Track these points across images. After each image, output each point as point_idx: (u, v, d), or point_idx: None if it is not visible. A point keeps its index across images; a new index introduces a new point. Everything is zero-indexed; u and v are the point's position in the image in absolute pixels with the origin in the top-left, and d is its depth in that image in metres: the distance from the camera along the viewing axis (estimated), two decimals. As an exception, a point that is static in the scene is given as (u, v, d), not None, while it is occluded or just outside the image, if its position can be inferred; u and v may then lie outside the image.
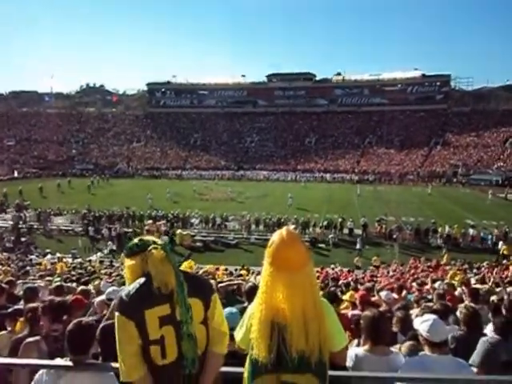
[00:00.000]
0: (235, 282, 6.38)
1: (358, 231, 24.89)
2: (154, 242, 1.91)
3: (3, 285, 5.15)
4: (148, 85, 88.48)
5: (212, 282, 5.80)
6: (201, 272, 8.04)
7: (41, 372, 2.35)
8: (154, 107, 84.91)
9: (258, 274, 12.75)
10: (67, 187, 44.77)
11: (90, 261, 19.60)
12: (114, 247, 23.19)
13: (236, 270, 14.91)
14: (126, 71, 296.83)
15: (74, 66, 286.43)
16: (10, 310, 4.28)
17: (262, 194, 40.34)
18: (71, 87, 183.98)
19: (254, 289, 3.86)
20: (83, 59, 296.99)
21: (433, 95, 72.27)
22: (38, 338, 3.12)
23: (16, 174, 57.14)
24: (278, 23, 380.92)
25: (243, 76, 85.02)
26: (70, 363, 2.33)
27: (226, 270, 13.30)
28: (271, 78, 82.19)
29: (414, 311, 4.52)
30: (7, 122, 77.16)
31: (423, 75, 73.45)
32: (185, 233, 23.83)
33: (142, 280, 1.88)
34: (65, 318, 3.44)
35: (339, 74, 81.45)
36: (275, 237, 1.80)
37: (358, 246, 21.95)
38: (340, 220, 25.74)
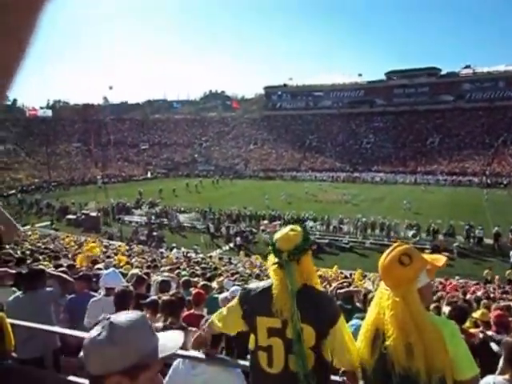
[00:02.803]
0: (354, 288, 6.31)
1: (489, 241, 22.51)
2: (280, 254, 1.86)
3: (144, 275, 5.80)
4: (265, 88, 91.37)
5: (330, 288, 5.82)
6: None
7: (178, 361, 2.60)
8: (271, 110, 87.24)
9: (375, 279, 12.36)
10: (197, 187, 47.86)
11: (210, 257, 20.93)
12: (232, 245, 24.50)
13: (350, 274, 14.66)
14: (245, 76, 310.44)
15: (198, 74, 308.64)
16: (148, 299, 4.82)
17: (379, 197, 38.78)
18: (196, 94, 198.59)
19: None
20: (206, 67, 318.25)
21: None
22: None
23: (149, 175, 63.70)
24: (395, 16, 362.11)
25: (360, 75, 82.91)
26: (202, 355, 2.53)
27: (342, 273, 13.13)
28: (390, 75, 78.53)
29: None
30: (142, 128, 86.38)
31: None
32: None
33: (269, 283, 1.93)
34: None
35: (468, 66, 74.36)
36: (385, 252, 1.83)
37: (511, 260, 19.63)
38: (467, 227, 23.54)
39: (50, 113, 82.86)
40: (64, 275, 4.28)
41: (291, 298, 1.77)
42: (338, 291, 5.37)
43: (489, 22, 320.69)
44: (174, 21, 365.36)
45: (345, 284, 7.19)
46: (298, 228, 1.92)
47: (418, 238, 23.53)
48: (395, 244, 1.88)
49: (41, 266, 4.93)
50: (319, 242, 23.65)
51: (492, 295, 9.27)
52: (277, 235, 1.93)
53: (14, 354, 3.39)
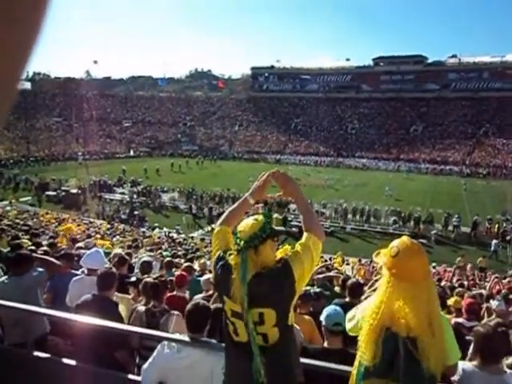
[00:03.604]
0: (332, 274, 6.44)
1: (466, 229, 23.12)
2: (239, 241, 1.85)
3: (125, 256, 5.80)
4: (252, 69, 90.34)
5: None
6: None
7: (162, 344, 2.64)
8: (257, 91, 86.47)
9: (355, 264, 12.60)
10: (181, 167, 47.43)
11: (192, 237, 20.94)
12: (214, 226, 24.46)
13: (331, 258, 14.89)
14: (232, 56, 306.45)
15: (184, 51, 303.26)
16: (132, 279, 4.84)
17: (361, 183, 39.18)
18: (181, 72, 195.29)
19: (358, 286, 3.90)
20: (193, 45, 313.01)
21: None
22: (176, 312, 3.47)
23: (132, 153, 62.82)
24: (384, 2, 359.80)
25: (348, 60, 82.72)
26: (187, 339, 2.58)
27: (322, 257, 13.31)
28: (378, 61, 78.43)
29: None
30: (125, 105, 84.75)
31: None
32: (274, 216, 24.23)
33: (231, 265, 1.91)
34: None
35: (454, 56, 74.87)
36: (398, 246, 1.79)
37: (492, 248, 19.93)
38: (445, 215, 24.08)
39: (29, 85, 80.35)
40: (51, 258, 4.25)
41: (242, 287, 1.77)
42: (317, 276, 5.46)
43: (477, 13, 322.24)
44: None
45: (323, 269, 7.34)
46: (261, 217, 1.91)
47: (398, 225, 23.99)
48: (404, 238, 1.85)
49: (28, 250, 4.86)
50: (301, 226, 23.79)
51: (466, 282, 9.56)
52: (241, 223, 1.94)
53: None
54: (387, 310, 1.72)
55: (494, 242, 20.20)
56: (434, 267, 15.07)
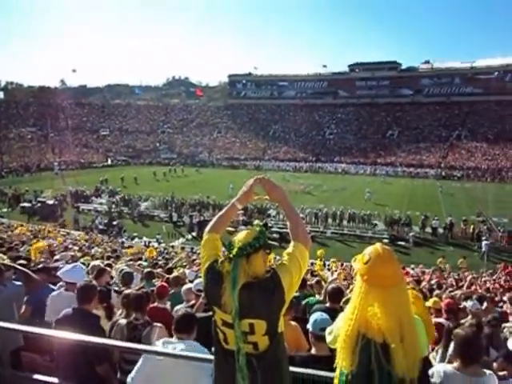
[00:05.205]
0: (313, 282, 6.47)
1: (443, 230, 23.61)
2: (231, 249, 1.83)
3: (105, 267, 5.69)
4: (229, 76, 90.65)
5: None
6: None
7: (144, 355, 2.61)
8: (235, 98, 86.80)
9: (336, 269, 12.68)
10: (165, 174, 46.99)
11: (172, 246, 20.68)
12: (195, 234, 24.28)
13: (312, 264, 14.94)
14: (209, 63, 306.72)
15: (161, 59, 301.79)
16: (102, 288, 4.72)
17: (340, 188, 39.63)
18: (158, 80, 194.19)
19: (338, 292, 3.92)
20: (170, 53, 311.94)
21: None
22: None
23: (109, 162, 61.93)
24: (360, 10, 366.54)
25: (324, 66, 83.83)
26: (170, 351, 2.52)
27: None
28: (354, 67, 79.90)
29: (507, 326, 4.25)
30: (102, 114, 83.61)
31: (525, 61, 66.58)
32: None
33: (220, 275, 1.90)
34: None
35: (427, 62, 76.97)
36: (370, 253, 1.80)
37: (483, 249, 20.05)
38: (422, 218, 24.56)
39: (1, 94, 78.64)
40: (31, 273, 4.13)
41: (232, 295, 1.75)
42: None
43: (449, 20, 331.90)
44: (137, 3, 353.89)
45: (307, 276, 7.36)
46: (257, 228, 1.92)
47: (377, 228, 24.34)
48: (377, 244, 1.85)
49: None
50: (281, 232, 23.86)
51: (444, 284, 9.74)
52: (237, 234, 1.93)
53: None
54: (361, 315, 1.74)
55: (485, 242, 20.30)
56: (412, 269, 15.33)
